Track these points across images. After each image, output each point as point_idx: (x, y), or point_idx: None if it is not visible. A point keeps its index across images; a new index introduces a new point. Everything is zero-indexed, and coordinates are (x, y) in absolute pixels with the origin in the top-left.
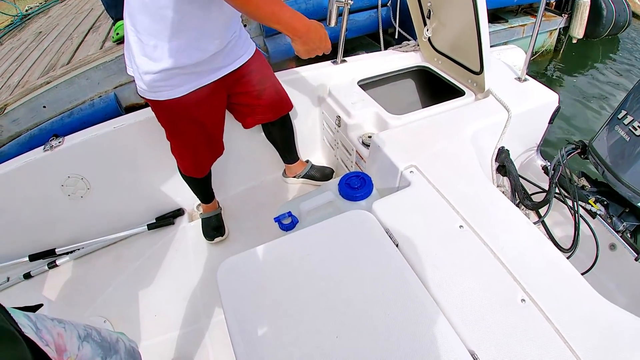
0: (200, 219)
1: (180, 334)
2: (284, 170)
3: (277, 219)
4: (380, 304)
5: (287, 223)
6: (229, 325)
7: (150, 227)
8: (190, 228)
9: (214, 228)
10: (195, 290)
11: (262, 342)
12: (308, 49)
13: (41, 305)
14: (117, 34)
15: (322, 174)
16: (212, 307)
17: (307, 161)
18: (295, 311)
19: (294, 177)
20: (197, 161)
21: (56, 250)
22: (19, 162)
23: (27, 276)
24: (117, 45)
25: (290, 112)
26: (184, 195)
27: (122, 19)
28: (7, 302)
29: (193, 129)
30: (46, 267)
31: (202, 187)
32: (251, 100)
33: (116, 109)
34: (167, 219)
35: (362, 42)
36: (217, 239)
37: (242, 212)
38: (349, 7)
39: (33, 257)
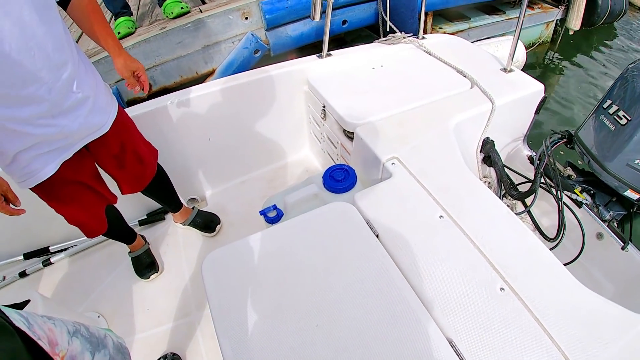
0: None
1: (172, 327)
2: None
3: (263, 212)
4: (359, 294)
5: (273, 216)
6: (213, 315)
7: (142, 222)
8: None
9: (146, 266)
10: (186, 284)
11: (245, 331)
12: None
13: (28, 301)
14: (119, 32)
15: (205, 224)
16: (203, 301)
17: (193, 208)
18: (277, 301)
19: (181, 224)
20: (100, 217)
21: (50, 248)
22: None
23: (23, 274)
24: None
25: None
26: None
27: (121, 15)
28: (4, 300)
29: (77, 190)
30: (41, 265)
31: (117, 232)
32: (115, 171)
33: (119, 102)
34: (158, 214)
35: (360, 34)
36: (152, 276)
37: (231, 206)
38: (332, 1)
39: (28, 256)
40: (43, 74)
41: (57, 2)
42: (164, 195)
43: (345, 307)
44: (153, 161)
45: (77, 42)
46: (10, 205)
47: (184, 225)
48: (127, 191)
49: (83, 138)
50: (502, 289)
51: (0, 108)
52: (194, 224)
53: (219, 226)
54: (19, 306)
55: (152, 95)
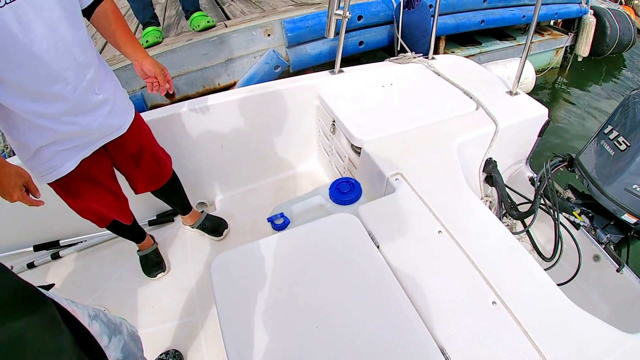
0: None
1: (176, 325)
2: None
3: (270, 219)
4: (358, 300)
5: (279, 223)
6: (219, 313)
7: (151, 223)
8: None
9: (154, 264)
10: (191, 284)
11: (248, 330)
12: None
13: (53, 284)
14: (147, 41)
15: (212, 228)
16: (207, 301)
17: (202, 212)
18: (280, 303)
19: (190, 226)
20: (119, 209)
21: (60, 241)
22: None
23: (31, 266)
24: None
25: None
26: None
27: (149, 25)
28: None
29: (94, 187)
30: (49, 258)
31: (127, 230)
32: (131, 170)
33: (142, 108)
34: (167, 216)
35: (375, 55)
36: (159, 275)
37: (239, 212)
38: (346, 19)
39: (38, 248)
40: (69, 74)
41: (84, 13)
42: (175, 198)
43: (344, 312)
44: (168, 164)
45: (100, 52)
46: (30, 196)
47: (192, 227)
48: (141, 190)
49: (102, 138)
50: (494, 302)
51: (28, 103)
52: (202, 227)
53: (226, 230)
54: (44, 288)
55: (175, 102)
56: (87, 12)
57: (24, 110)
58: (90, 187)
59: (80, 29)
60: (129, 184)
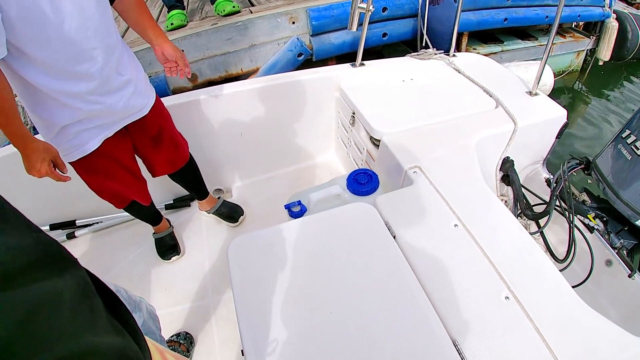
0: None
1: (188, 308)
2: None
3: (288, 206)
4: (373, 289)
5: (296, 211)
6: (234, 295)
7: (168, 207)
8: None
9: (169, 247)
10: (205, 269)
11: (262, 313)
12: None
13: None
14: (172, 23)
15: (228, 214)
16: (219, 286)
17: (219, 198)
18: (295, 288)
19: (206, 212)
20: (138, 190)
21: (77, 221)
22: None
23: None
24: (169, 32)
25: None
26: None
27: (175, 8)
28: None
29: (115, 166)
30: (65, 237)
31: (145, 212)
32: (150, 153)
33: (165, 90)
34: (184, 200)
35: (397, 49)
36: (173, 258)
37: (255, 200)
38: (370, 13)
39: (54, 227)
40: (96, 54)
41: None
42: (193, 183)
43: (359, 299)
44: (186, 148)
45: (122, 36)
46: (57, 171)
47: (209, 213)
48: (159, 173)
49: (125, 118)
50: (507, 297)
51: (56, 81)
52: (219, 213)
53: (242, 217)
54: None
55: (197, 86)
56: None
57: (52, 89)
58: (111, 167)
59: (107, 10)
60: (147, 168)
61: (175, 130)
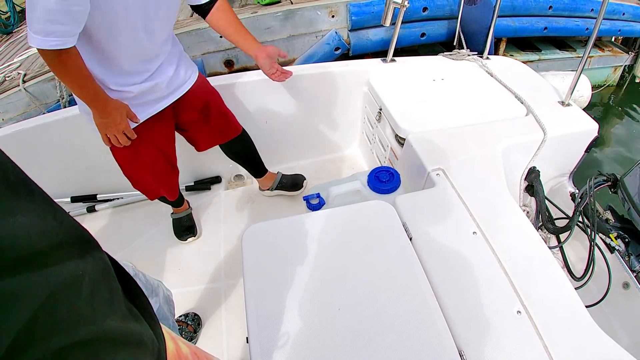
0: (235, 189)
1: (199, 290)
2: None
3: (306, 198)
4: (384, 289)
5: (315, 203)
6: (245, 281)
7: (188, 188)
8: (224, 196)
9: (186, 228)
10: (219, 252)
11: (271, 302)
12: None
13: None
14: None
15: (292, 183)
16: (233, 271)
17: (278, 172)
18: (306, 280)
19: (268, 189)
20: (170, 185)
21: (97, 196)
22: (74, 110)
23: None
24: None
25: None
26: (222, 164)
27: None
28: None
29: (153, 152)
30: (85, 211)
31: (169, 201)
32: (197, 125)
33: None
34: (204, 183)
35: (434, 49)
36: (189, 239)
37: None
38: (404, 8)
39: (75, 199)
40: (158, 49)
41: (196, 10)
42: (249, 158)
43: (369, 297)
44: (236, 121)
45: None
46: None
47: (272, 190)
48: (208, 144)
49: (170, 94)
50: (519, 312)
51: (118, 76)
52: (281, 185)
53: (305, 181)
54: None
55: (233, 72)
56: (203, 11)
57: (111, 80)
58: (150, 150)
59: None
60: (194, 142)
61: (224, 105)
